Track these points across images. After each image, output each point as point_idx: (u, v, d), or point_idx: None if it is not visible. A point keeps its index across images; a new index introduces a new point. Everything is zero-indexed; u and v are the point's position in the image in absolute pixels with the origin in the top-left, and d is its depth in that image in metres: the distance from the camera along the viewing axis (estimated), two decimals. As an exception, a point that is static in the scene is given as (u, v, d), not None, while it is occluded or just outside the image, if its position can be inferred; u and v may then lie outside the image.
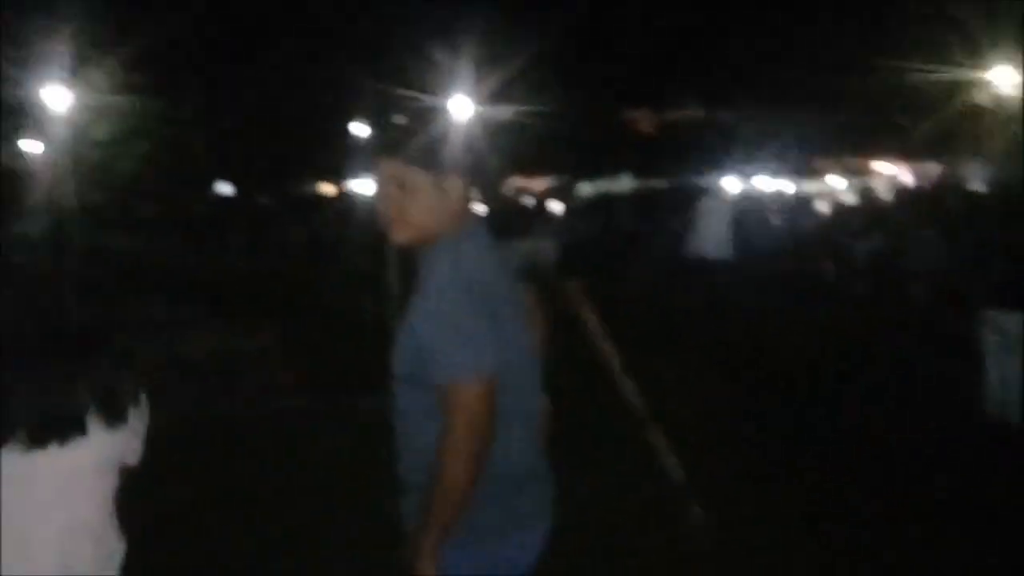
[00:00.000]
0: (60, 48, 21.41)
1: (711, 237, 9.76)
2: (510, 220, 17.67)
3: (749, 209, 16.12)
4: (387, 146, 2.22)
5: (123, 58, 22.76)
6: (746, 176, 25.16)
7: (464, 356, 2.00)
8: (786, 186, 25.44)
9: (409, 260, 2.24)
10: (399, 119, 2.96)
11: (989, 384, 6.09)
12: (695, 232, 9.84)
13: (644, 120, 30.23)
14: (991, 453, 5.48)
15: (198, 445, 5.47)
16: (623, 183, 28.30)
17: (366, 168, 28.73)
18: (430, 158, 2.16)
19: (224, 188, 27.19)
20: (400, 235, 2.19)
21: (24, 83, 21.18)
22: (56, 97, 21.87)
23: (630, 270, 10.65)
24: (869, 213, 13.57)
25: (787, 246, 12.97)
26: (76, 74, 22.14)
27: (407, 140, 2.19)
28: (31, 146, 23.01)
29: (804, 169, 26.15)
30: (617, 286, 11.55)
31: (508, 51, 24.99)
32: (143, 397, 1.62)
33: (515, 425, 2.14)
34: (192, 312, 9.56)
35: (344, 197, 26.71)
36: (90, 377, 1.47)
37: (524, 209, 19.35)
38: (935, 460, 5.46)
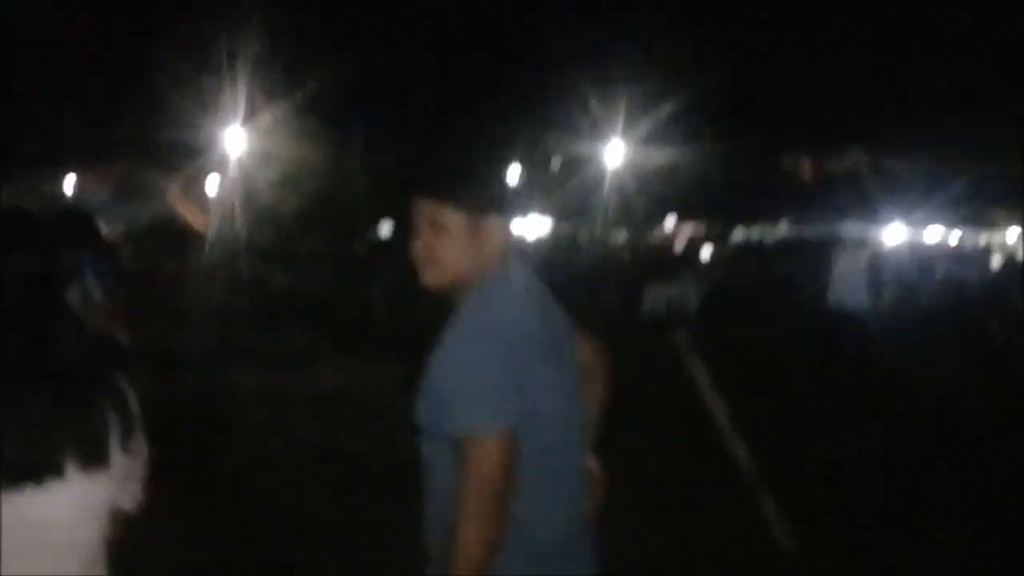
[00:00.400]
0: (235, 93, 22.83)
1: (848, 288, 9.25)
2: (658, 264, 17.60)
3: (907, 260, 15.32)
4: (420, 182, 2.07)
5: (294, 102, 24.14)
6: (914, 226, 23.96)
7: (480, 408, 1.85)
8: (957, 237, 24.03)
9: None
10: (442, 154, 2.82)
11: None
12: (833, 282, 9.36)
13: (804, 167, 29.35)
14: None
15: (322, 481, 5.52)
16: (780, 230, 27.49)
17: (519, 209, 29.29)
18: (465, 196, 2.01)
19: (386, 229, 28.16)
20: (430, 278, 2.05)
21: (203, 126, 22.66)
22: (233, 140, 23.34)
23: (772, 319, 10.21)
24: None
25: (949, 300, 12.11)
26: (252, 118, 23.60)
27: (442, 175, 2.07)
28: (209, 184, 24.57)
29: (979, 219, 24.63)
30: (752, 335, 11.15)
31: (670, 93, 24.88)
32: (141, 438, 1.62)
33: (549, 486, 1.98)
34: (329, 346, 9.81)
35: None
36: (69, 418, 1.46)
37: (672, 253, 19.15)
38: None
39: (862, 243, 18.03)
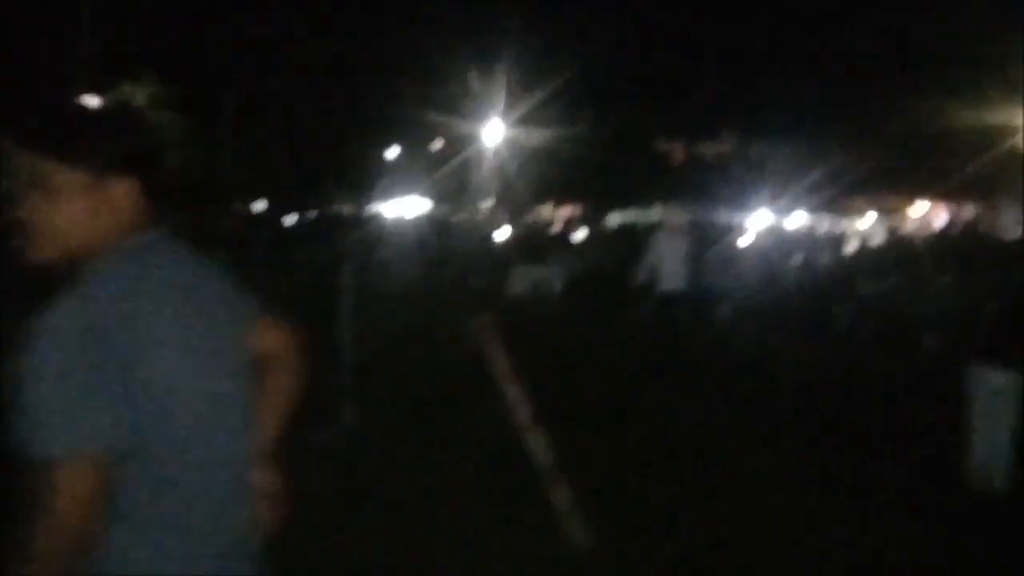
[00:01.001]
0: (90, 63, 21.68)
1: (670, 269, 9.22)
2: (532, 245, 17.58)
3: (769, 245, 15.75)
4: (27, 135, 1.58)
5: (158, 72, 23.13)
6: (780, 212, 24.73)
7: (51, 427, 1.46)
8: (819, 223, 24.95)
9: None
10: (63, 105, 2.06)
11: (973, 448, 5.57)
12: (654, 263, 9.29)
13: (677, 151, 29.94)
14: (965, 524, 5.01)
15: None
16: (654, 214, 27.98)
17: (392, 191, 28.97)
18: (77, 151, 1.57)
19: (258, 206, 27.36)
20: (40, 250, 1.61)
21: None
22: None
23: (634, 301, 10.24)
24: (889, 255, 13.07)
25: (803, 285, 12.47)
26: (114, 86, 22.46)
27: (54, 128, 1.59)
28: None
29: (840, 206, 25.63)
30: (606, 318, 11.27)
31: (543, 77, 24.90)
32: None
33: (184, 514, 1.61)
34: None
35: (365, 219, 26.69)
36: None
37: (544, 236, 19.17)
38: (900, 524, 4.95)
39: (728, 228, 18.55)
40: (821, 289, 12.01)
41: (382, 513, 4.62)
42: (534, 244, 16.82)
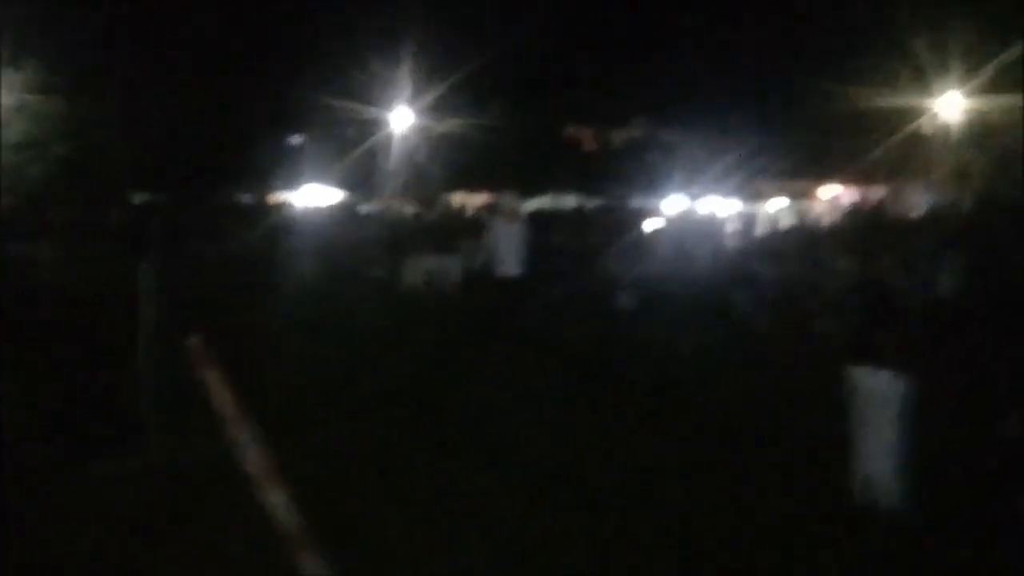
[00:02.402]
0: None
1: (506, 255, 9.06)
2: (437, 235, 16.93)
3: (679, 232, 15.41)
4: None
5: (42, 57, 21.79)
6: (692, 196, 24.58)
7: None
8: (731, 207, 24.84)
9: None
10: None
11: (857, 460, 4.93)
12: (490, 250, 9.16)
13: (587, 137, 29.60)
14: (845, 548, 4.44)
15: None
16: (567, 201, 27.58)
17: (297, 179, 27.99)
18: None
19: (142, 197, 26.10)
20: None
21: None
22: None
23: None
24: (790, 238, 12.81)
25: (708, 271, 12.07)
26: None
27: None
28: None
29: (751, 190, 25.58)
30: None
31: (451, 64, 24.32)
32: None
33: None
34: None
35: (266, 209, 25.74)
36: None
37: (451, 224, 18.50)
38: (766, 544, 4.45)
39: (639, 214, 18.22)
40: (724, 275, 11.62)
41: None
42: (438, 233, 16.13)
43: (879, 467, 4.84)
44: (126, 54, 23.47)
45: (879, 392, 4.80)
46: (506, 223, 9.30)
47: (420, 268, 13.31)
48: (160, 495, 4.80)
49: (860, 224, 12.61)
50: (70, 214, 22.94)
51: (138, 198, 25.51)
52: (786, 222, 19.97)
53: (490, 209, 27.71)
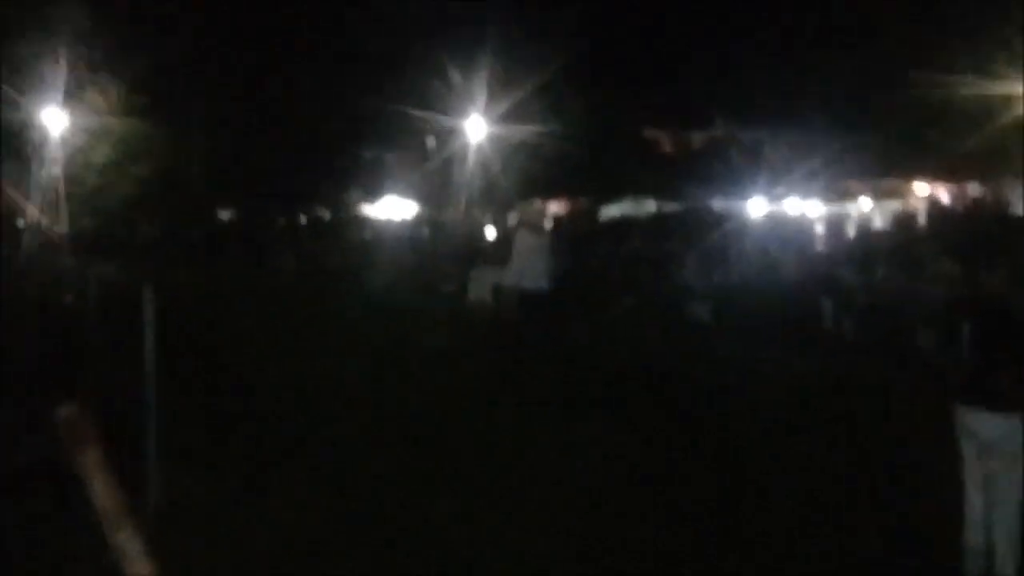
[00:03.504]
0: (62, 68, 20.89)
1: (530, 268, 8.61)
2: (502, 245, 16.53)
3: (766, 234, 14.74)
4: None
5: (124, 79, 22.21)
6: (775, 199, 23.74)
7: None
8: (818, 208, 23.92)
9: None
10: None
11: (968, 520, 4.05)
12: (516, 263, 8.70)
13: (666, 140, 28.93)
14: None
15: None
16: (648, 206, 27.00)
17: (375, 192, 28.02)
18: None
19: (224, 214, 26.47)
20: None
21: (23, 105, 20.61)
22: (55, 119, 21.28)
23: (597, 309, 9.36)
24: (883, 240, 11.95)
25: (787, 276, 11.36)
26: (76, 95, 21.60)
27: None
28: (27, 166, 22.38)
29: (838, 191, 24.59)
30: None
31: (526, 69, 24.00)
32: None
33: None
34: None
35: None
36: None
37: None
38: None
39: (721, 217, 17.59)
40: (811, 282, 10.86)
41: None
42: (504, 244, 15.63)
43: (999, 534, 4.02)
44: (207, 74, 23.82)
45: (1002, 443, 3.93)
46: (530, 234, 8.89)
47: (486, 281, 12.73)
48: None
49: (966, 222, 11.68)
50: (152, 234, 23.49)
51: (220, 215, 25.89)
52: (878, 223, 19.00)
53: (569, 216, 27.53)
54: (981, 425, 4.01)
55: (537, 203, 29.46)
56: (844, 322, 9.58)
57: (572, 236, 17.54)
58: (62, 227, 20.08)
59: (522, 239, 8.88)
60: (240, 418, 6.41)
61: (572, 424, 6.47)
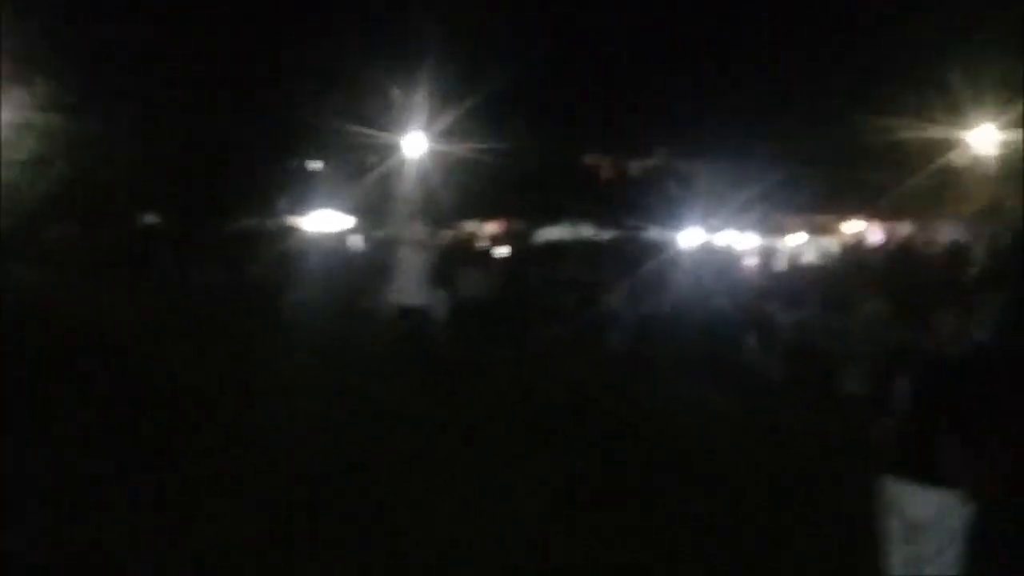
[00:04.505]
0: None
1: (409, 285, 8.63)
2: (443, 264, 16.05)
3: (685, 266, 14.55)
4: None
5: (48, 73, 21.34)
6: (710, 230, 23.71)
7: None
8: (749, 241, 23.94)
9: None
10: None
11: None
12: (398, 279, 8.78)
13: (605, 166, 28.86)
14: None
15: None
16: (584, 231, 26.79)
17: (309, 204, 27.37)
18: None
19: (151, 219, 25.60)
20: None
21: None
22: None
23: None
24: (807, 277, 11.76)
25: (714, 309, 11.06)
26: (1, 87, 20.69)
27: None
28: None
29: (772, 225, 24.68)
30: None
31: (466, 88, 23.71)
32: None
33: None
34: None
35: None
36: None
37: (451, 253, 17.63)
38: None
39: (656, 246, 17.37)
40: (736, 316, 10.54)
41: None
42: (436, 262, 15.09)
43: None
44: (134, 72, 23.05)
45: (935, 523, 3.39)
46: (409, 251, 8.86)
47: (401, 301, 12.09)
48: None
49: (901, 261, 11.47)
50: (70, 235, 22.53)
51: (143, 219, 25.03)
52: (808, 258, 18.96)
53: (503, 237, 27.19)
54: (911, 501, 3.48)
55: (471, 224, 29.22)
56: (768, 359, 9.24)
57: (463, 256, 17.35)
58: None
59: (405, 256, 8.85)
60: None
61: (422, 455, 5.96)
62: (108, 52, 22.20)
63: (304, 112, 24.67)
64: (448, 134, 25.12)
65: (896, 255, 13.35)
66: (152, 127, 23.73)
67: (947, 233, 15.29)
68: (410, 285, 9.32)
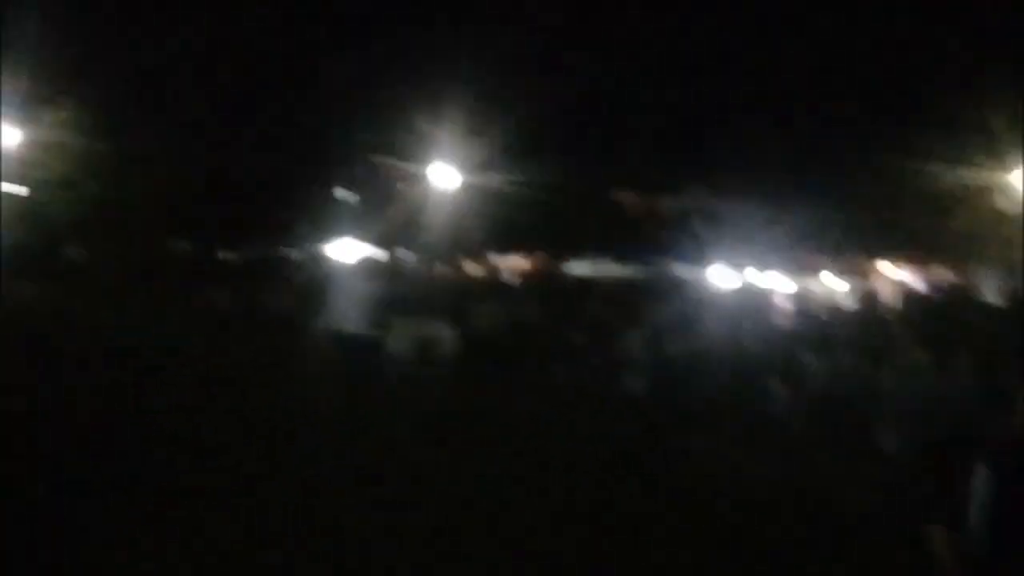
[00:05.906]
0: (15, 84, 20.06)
1: (349, 311, 8.46)
2: (459, 296, 15.70)
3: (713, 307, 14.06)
4: None
5: (79, 96, 21.44)
6: (739, 269, 23.25)
7: None
8: (782, 283, 23.42)
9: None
10: None
11: None
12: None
13: (634, 203, 28.48)
14: None
15: None
16: (609, 268, 26.39)
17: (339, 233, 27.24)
18: None
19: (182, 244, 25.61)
20: None
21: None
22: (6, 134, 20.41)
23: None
24: (843, 322, 11.19)
25: (741, 353, 10.53)
26: (32, 111, 20.79)
27: None
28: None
29: (803, 266, 24.17)
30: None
31: (496, 122, 23.53)
32: None
33: None
34: None
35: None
36: None
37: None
38: None
39: (683, 285, 16.92)
40: (764, 362, 9.94)
41: None
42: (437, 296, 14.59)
43: None
44: (166, 97, 23.19)
45: None
46: (356, 276, 8.76)
47: (409, 333, 11.65)
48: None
49: (944, 309, 10.77)
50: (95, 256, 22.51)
51: (170, 243, 25.03)
52: (844, 303, 18.33)
53: (526, 271, 26.88)
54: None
55: (497, 256, 28.94)
56: (797, 411, 8.69)
57: (485, 289, 16.99)
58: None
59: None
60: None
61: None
62: (139, 76, 22.34)
63: (335, 141, 24.69)
64: (479, 167, 24.97)
65: (943, 302, 12.63)
66: (182, 153, 23.80)
67: (988, 278, 14.68)
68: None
